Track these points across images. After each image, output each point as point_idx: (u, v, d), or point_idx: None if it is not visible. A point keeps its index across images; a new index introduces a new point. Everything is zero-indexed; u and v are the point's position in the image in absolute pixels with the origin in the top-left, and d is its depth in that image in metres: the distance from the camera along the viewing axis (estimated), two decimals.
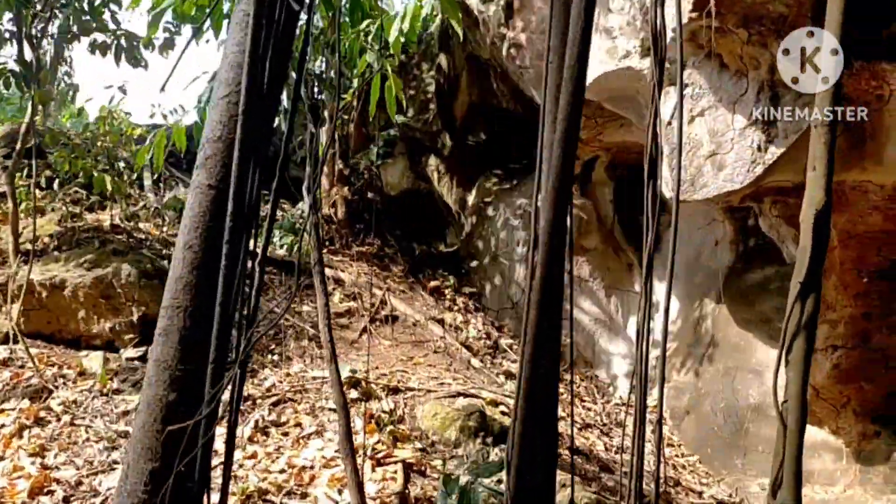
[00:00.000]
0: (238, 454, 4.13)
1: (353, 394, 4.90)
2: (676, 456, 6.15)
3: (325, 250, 7.09)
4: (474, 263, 7.66)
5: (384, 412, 4.74)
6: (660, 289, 7.36)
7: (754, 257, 6.73)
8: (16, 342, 5.19)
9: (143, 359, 5.43)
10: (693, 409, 6.53)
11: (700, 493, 5.57)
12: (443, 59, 8.70)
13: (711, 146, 4.56)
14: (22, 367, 4.99)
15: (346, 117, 7.68)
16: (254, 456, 4.21)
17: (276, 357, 5.32)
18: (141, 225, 6.75)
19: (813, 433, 5.61)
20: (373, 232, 7.43)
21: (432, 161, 8.89)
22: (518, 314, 7.39)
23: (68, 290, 5.42)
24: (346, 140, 7.72)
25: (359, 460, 4.40)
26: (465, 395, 5.11)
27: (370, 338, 5.80)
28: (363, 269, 6.78)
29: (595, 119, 6.88)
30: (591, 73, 5.54)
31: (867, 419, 5.25)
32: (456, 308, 6.92)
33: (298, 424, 4.62)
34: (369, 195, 7.71)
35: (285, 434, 4.54)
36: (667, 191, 4.99)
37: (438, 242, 8.34)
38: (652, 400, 6.82)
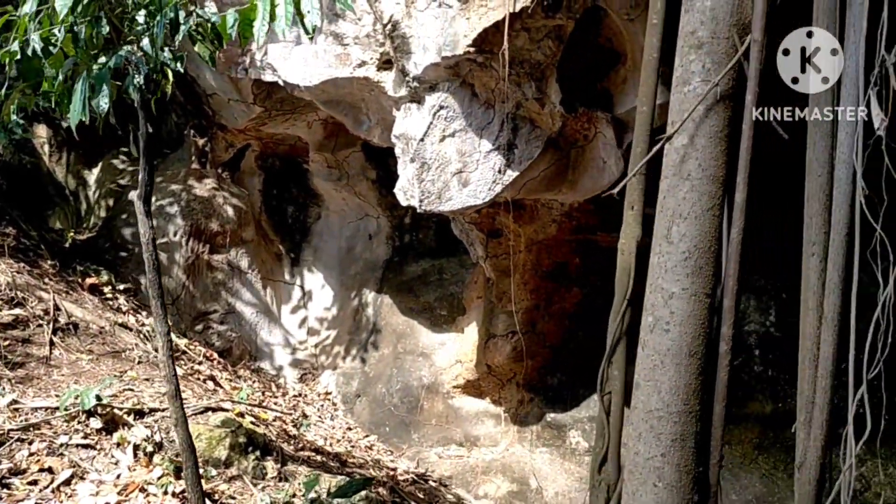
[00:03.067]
0: None
1: (95, 423, 4.15)
2: (359, 439, 6.60)
3: None
4: (123, 255, 6.82)
5: (144, 440, 4.16)
6: (312, 279, 7.71)
7: (408, 252, 7.54)
8: None
9: None
10: (364, 392, 7.05)
11: (395, 469, 6.14)
12: None
13: (459, 164, 5.10)
14: None
15: None
16: None
17: None
18: None
19: (477, 404, 6.70)
20: (6, 217, 6.00)
21: (42, 132, 7.56)
22: (179, 310, 6.90)
23: None
24: None
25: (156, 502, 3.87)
26: (214, 410, 4.74)
27: (62, 353, 4.83)
28: (14, 268, 5.48)
29: (272, 111, 6.80)
30: (319, 76, 5.60)
31: (525, 389, 6.48)
32: (127, 309, 6.10)
33: (47, 470, 3.77)
34: None
35: (33, 483, 3.68)
36: (405, 200, 5.36)
37: (66, 230, 7.13)
38: (321, 386, 7.19)
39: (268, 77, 6.02)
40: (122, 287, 6.50)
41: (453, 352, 6.82)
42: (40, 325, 5.08)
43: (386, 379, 6.93)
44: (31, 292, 5.36)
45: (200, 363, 6.09)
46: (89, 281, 6.17)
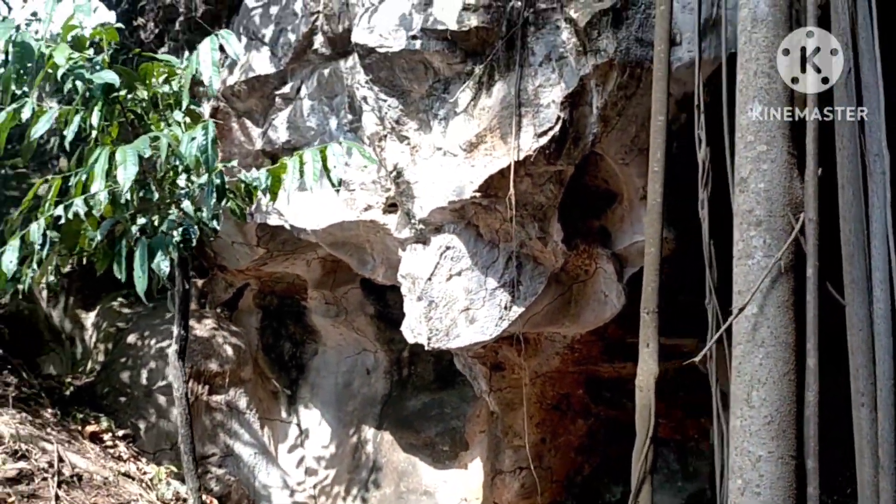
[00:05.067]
0: None
1: None
2: None
3: None
4: (122, 399, 6.74)
5: None
6: (309, 417, 7.65)
7: (407, 386, 7.54)
8: None
9: None
10: None
11: None
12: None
13: (466, 302, 5.24)
14: None
15: None
16: None
17: None
18: None
19: None
20: (8, 367, 5.95)
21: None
22: (178, 454, 6.75)
23: None
24: None
25: None
26: None
27: None
28: (16, 419, 5.39)
29: (274, 252, 6.97)
30: (327, 220, 5.81)
31: None
32: (128, 457, 5.98)
33: None
34: None
35: None
36: (412, 338, 5.45)
37: (64, 375, 7.05)
38: None
39: (273, 221, 6.22)
40: (121, 433, 6.39)
41: (458, 490, 6.71)
42: (45, 479, 4.96)
43: None
44: (34, 444, 5.25)
45: None
46: (90, 429, 6.07)
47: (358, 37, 5.08)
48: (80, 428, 6.05)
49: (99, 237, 3.32)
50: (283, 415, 7.79)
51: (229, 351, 7.25)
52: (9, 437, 5.14)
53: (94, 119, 3.08)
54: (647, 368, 3.90)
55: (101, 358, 7.34)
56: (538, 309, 5.36)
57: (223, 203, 3.08)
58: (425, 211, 5.22)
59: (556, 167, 4.84)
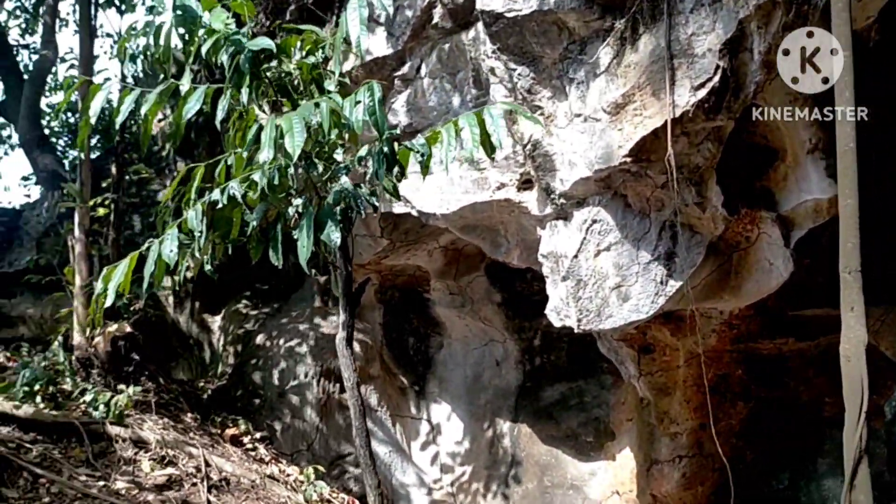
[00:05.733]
0: None
1: None
2: None
3: (84, 404, 5.46)
4: (256, 401, 6.67)
5: None
6: (439, 412, 7.39)
7: (541, 376, 7.19)
8: None
9: None
10: None
11: None
12: (181, 166, 7.68)
13: (617, 279, 4.84)
14: None
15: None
16: None
17: None
18: None
19: None
20: (146, 373, 5.96)
21: (166, 282, 7.62)
22: (314, 454, 6.62)
23: None
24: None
25: None
26: None
27: None
28: (159, 424, 5.35)
29: (396, 243, 6.75)
30: (457, 202, 5.51)
31: None
32: (269, 459, 5.88)
33: None
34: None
35: None
36: (558, 321, 5.10)
37: (196, 380, 7.08)
38: None
39: (398, 209, 5.98)
40: (258, 435, 6.31)
41: (607, 482, 6.32)
42: (195, 484, 4.87)
43: None
44: (180, 449, 5.18)
45: None
46: (229, 432, 6.00)
47: (483, 3, 4.76)
48: (219, 431, 5.98)
49: (255, 222, 3.12)
50: (413, 411, 7.58)
51: (357, 348, 7.08)
52: (155, 443, 5.08)
53: (244, 95, 2.88)
54: (853, 336, 3.45)
55: (231, 361, 7.31)
56: (696, 282, 4.91)
57: (393, 171, 2.81)
58: (566, 184, 4.86)
59: (714, 123, 4.38)
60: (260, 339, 7.09)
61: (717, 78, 4.18)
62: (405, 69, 5.66)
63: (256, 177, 2.98)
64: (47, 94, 10.14)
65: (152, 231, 7.59)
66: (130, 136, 7.42)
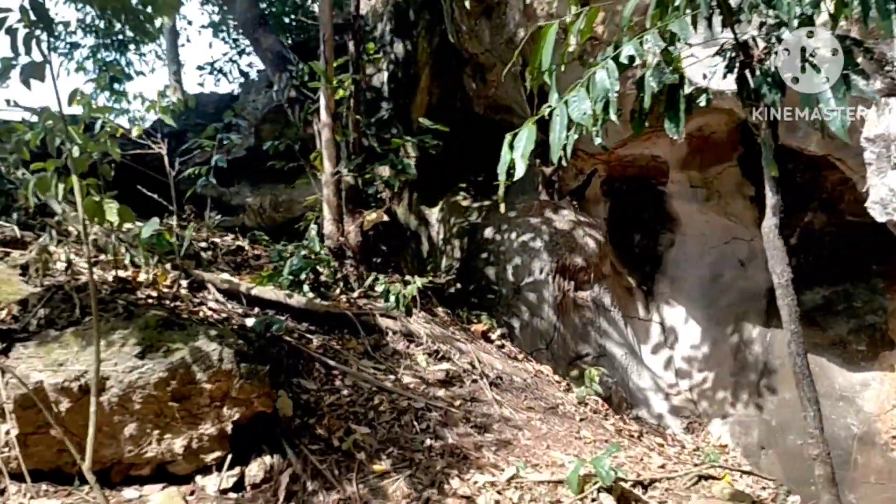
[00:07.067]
0: None
1: (607, 500, 3.51)
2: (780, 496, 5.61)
3: (343, 295, 5.27)
4: (491, 297, 6.36)
5: None
6: (672, 314, 6.85)
7: (798, 278, 6.48)
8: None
9: (239, 487, 3.40)
10: (770, 444, 6.07)
11: None
12: (399, 48, 7.22)
13: None
14: None
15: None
16: None
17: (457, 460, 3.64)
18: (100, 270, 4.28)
19: None
20: (391, 265, 5.75)
21: (385, 172, 7.32)
22: (553, 354, 6.30)
23: (111, 394, 3.14)
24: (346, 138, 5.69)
25: None
26: (706, 478, 3.99)
27: (510, 411, 4.31)
28: (420, 318, 5.12)
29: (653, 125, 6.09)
30: None
31: None
32: (522, 357, 5.61)
33: None
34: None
35: None
36: (883, 215, 4.40)
37: (423, 274, 6.84)
38: (713, 437, 6.26)
39: None
40: (499, 332, 6.01)
41: (884, 394, 5.68)
42: (475, 381, 4.60)
43: (798, 428, 5.90)
44: (450, 344, 4.92)
45: (605, 417, 5.40)
46: (477, 328, 5.71)
47: None
48: (467, 327, 5.71)
49: (656, 86, 2.60)
50: (641, 312, 7.10)
51: (591, 244, 6.61)
52: (425, 337, 4.82)
53: None
54: None
55: (456, 255, 7.00)
56: None
57: None
58: None
59: None
60: (488, 232, 6.71)
61: None
62: None
63: (675, 27, 2.44)
64: None
65: (370, 116, 7.24)
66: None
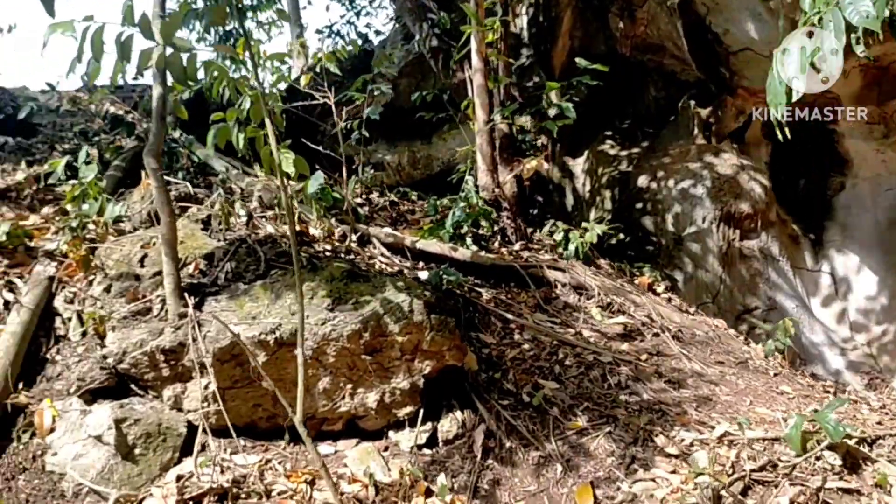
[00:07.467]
0: None
1: (833, 459, 3.19)
2: None
3: (503, 248, 5.09)
4: (650, 248, 6.03)
5: None
6: (844, 263, 6.31)
7: None
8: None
9: (432, 442, 3.28)
10: None
11: None
12: None
13: None
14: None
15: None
16: None
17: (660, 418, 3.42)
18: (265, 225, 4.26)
19: None
20: (547, 216, 5.53)
21: (525, 122, 7.05)
22: (720, 307, 5.92)
23: (305, 347, 3.08)
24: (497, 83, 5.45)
25: None
26: None
27: (701, 366, 4.03)
28: (587, 270, 4.89)
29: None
30: None
31: None
32: (693, 311, 5.30)
33: None
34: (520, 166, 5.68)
35: None
36: None
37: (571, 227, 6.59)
38: None
39: None
40: (663, 285, 5.68)
41: None
42: (656, 334, 4.32)
43: None
44: (624, 296, 4.65)
45: (778, 373, 5.00)
46: (642, 280, 5.41)
47: None
48: (629, 279, 5.41)
49: None
50: (808, 262, 6.59)
51: (757, 190, 6.14)
52: (597, 289, 4.56)
53: None
54: None
55: (606, 206, 6.68)
56: None
57: None
58: None
59: None
60: (642, 180, 6.34)
61: None
62: None
63: None
64: None
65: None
66: None
